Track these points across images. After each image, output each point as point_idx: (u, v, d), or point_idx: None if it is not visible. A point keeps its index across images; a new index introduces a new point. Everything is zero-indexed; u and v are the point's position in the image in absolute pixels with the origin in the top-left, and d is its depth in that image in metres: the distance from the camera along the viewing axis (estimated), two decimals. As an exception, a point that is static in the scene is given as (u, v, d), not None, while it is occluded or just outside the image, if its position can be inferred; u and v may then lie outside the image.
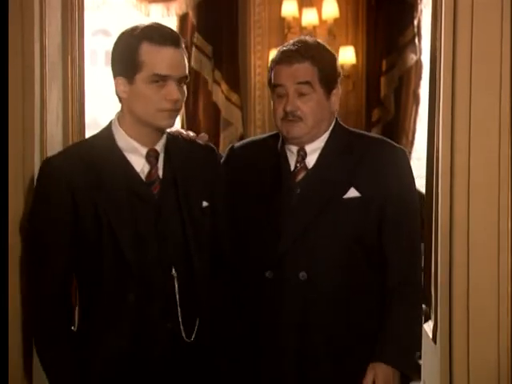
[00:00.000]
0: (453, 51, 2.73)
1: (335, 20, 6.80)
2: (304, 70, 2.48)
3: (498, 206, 2.67)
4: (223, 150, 2.73)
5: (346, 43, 6.79)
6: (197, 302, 2.36)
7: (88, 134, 3.26)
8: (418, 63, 6.50)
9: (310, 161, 2.54)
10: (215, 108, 6.69)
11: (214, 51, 6.65)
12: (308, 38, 2.58)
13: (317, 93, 2.49)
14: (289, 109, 2.48)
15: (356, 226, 2.49)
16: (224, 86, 6.69)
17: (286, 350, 2.50)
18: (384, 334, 2.48)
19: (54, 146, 2.91)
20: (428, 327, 3.00)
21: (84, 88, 3.18)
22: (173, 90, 2.28)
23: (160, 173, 2.37)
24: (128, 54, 2.29)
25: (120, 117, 2.37)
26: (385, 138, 2.65)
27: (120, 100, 2.37)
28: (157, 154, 2.36)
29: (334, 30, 6.86)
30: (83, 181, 2.30)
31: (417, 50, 6.52)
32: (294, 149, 2.55)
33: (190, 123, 6.49)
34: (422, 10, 6.35)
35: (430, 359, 2.98)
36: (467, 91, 2.70)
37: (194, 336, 2.35)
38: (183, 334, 2.33)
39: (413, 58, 6.54)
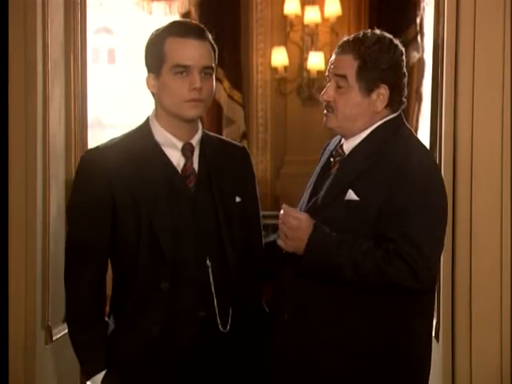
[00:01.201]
0: (455, 49, 2.74)
1: (337, 18, 6.80)
2: (344, 62, 2.41)
3: (500, 203, 2.67)
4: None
5: (349, 41, 6.79)
6: (231, 293, 2.42)
7: (91, 132, 3.27)
8: (421, 61, 6.49)
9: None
10: (217, 106, 6.69)
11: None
12: (373, 32, 2.43)
13: (352, 88, 2.40)
14: (324, 98, 2.45)
15: (353, 230, 2.40)
16: (226, 84, 6.70)
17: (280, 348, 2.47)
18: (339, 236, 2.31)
19: (56, 144, 2.91)
20: (430, 325, 3.00)
21: (86, 86, 3.19)
22: (195, 79, 2.35)
23: (195, 167, 2.44)
24: (154, 50, 2.38)
25: (155, 112, 2.43)
26: (420, 149, 2.41)
27: (153, 96, 2.44)
28: (192, 147, 2.43)
29: (336, 27, 6.87)
30: (122, 173, 2.37)
31: (419, 48, 6.52)
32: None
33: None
34: (424, 8, 6.34)
35: (432, 357, 2.98)
36: (469, 89, 2.70)
37: (228, 327, 2.40)
38: (219, 324, 2.37)
39: (415, 55, 6.53)
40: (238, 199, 2.47)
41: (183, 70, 2.35)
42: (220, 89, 6.67)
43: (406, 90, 2.46)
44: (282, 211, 2.36)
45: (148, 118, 2.46)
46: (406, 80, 2.46)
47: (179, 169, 2.41)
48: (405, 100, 2.47)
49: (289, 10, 6.81)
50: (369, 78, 2.40)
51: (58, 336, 2.97)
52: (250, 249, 2.50)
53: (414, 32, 6.51)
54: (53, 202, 2.93)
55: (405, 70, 2.46)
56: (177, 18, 6.50)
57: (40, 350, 2.80)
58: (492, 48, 2.68)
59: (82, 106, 3.13)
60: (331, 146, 2.58)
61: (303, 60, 6.94)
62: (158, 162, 2.40)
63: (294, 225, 2.33)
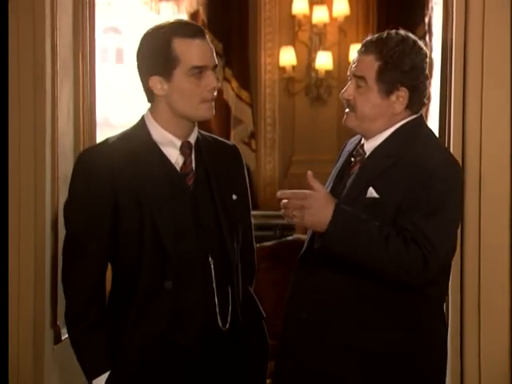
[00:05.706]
0: (464, 48, 2.73)
1: (346, 17, 6.81)
2: (365, 63, 2.39)
3: (509, 203, 2.67)
4: (233, 148, 2.73)
5: (357, 41, 6.79)
6: (230, 290, 2.42)
7: (99, 132, 3.27)
8: (429, 60, 6.49)
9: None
10: (226, 106, 6.70)
11: (225, 49, 6.67)
12: (397, 32, 2.41)
13: (371, 89, 2.38)
14: (344, 95, 2.43)
15: None
16: (234, 84, 6.71)
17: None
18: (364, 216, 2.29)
19: (65, 144, 2.92)
20: (439, 325, 3.00)
21: (95, 85, 3.19)
22: (212, 80, 2.35)
23: (193, 165, 2.43)
24: (161, 51, 2.34)
25: (153, 112, 2.41)
26: (440, 149, 2.42)
27: (151, 98, 2.41)
28: (190, 145, 2.43)
29: (344, 27, 6.87)
30: (123, 171, 2.35)
31: (428, 48, 6.51)
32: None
33: (200, 121, 6.50)
34: (432, 8, 6.32)
35: (440, 357, 2.98)
36: (478, 88, 2.69)
37: (228, 325, 2.40)
38: (219, 322, 2.38)
39: (423, 55, 6.53)
40: (234, 197, 2.47)
41: (199, 71, 2.34)
42: (228, 88, 6.69)
43: (427, 91, 2.43)
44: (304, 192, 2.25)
45: (143, 117, 2.44)
46: (427, 82, 2.43)
47: (178, 167, 2.40)
48: (426, 101, 2.45)
49: (297, 9, 6.82)
50: (389, 80, 2.37)
51: (67, 336, 2.97)
52: (243, 246, 2.51)
53: (422, 31, 6.50)
54: (61, 201, 2.93)
55: (427, 72, 2.43)
56: (185, 17, 6.52)
57: (48, 349, 2.81)
58: (501, 47, 2.68)
59: (90, 106, 3.14)
60: (349, 147, 2.57)
61: (311, 60, 6.94)
62: (156, 160, 2.38)
63: (315, 195, 2.25)
